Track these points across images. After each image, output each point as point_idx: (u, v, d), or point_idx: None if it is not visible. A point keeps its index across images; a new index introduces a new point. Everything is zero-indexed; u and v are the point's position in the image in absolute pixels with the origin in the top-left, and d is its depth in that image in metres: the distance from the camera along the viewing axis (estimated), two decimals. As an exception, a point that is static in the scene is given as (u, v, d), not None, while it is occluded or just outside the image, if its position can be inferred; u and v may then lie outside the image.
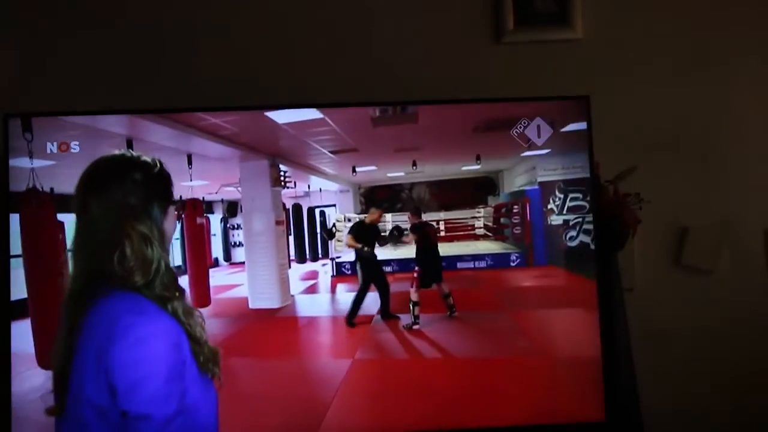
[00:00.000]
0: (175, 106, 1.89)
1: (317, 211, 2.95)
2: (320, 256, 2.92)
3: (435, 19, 2.12)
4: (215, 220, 2.91)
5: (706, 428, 2.10)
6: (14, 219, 1.77)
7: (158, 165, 1.03)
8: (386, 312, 2.31)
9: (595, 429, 1.84)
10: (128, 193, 0.97)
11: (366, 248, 2.40)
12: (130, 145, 1.84)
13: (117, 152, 1.04)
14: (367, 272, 2.40)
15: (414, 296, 2.30)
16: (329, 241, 2.76)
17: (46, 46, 2.08)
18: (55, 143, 1.75)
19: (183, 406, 0.92)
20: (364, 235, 2.42)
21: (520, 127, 1.94)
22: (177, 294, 0.99)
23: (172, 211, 1.05)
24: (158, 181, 1.02)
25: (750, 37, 2.14)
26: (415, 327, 2.24)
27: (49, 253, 1.72)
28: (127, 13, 2.09)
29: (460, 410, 1.89)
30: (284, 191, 2.44)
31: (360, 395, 1.99)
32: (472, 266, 2.46)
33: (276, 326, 2.35)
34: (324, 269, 2.81)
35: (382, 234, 2.45)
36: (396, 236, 2.46)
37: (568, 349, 1.98)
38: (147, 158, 1.02)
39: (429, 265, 2.32)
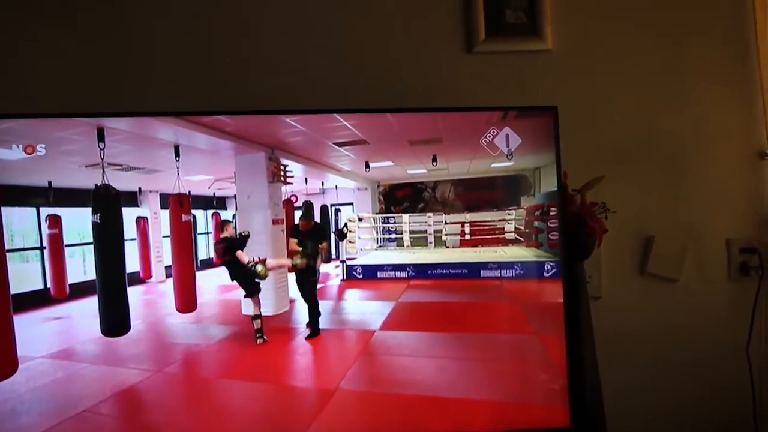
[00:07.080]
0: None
1: (332, 210, 2.73)
2: (333, 257, 2.71)
3: (407, 29, 2.15)
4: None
5: (671, 434, 2.16)
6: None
7: None
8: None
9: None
10: None
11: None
12: (101, 135, 1.68)
13: None
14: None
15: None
16: (340, 242, 2.54)
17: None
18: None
19: None
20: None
21: (489, 136, 1.92)
22: None
23: None
24: None
25: (715, 49, 2.22)
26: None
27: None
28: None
29: (422, 417, 1.81)
30: (286, 188, 2.24)
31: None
32: (499, 275, 2.16)
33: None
34: (337, 271, 2.60)
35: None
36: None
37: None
38: None
39: None
